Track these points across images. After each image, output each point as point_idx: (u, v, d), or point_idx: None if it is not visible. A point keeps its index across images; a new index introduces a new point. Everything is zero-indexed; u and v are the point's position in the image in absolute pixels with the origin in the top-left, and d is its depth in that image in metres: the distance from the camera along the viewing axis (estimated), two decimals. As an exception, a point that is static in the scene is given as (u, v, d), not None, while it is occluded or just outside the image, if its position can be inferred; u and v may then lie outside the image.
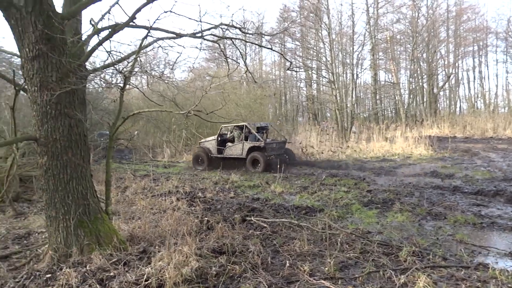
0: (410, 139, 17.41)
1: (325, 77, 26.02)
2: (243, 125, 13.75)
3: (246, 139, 13.66)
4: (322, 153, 15.87)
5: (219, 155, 14.14)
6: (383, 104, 35.17)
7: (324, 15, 24.05)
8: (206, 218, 5.99)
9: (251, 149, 13.24)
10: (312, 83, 33.11)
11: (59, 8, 4.61)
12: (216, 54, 33.01)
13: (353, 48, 24.78)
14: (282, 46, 34.58)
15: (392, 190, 8.39)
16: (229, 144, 14.03)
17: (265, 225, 5.71)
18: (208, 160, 14.26)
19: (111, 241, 4.36)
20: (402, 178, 10.11)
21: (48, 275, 3.88)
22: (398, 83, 31.89)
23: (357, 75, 24.44)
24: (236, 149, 13.72)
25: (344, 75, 25.84)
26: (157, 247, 4.49)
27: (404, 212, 6.49)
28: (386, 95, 34.52)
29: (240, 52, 7.27)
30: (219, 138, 14.35)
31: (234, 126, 14.19)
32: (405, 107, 29.44)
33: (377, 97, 32.37)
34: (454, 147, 16.15)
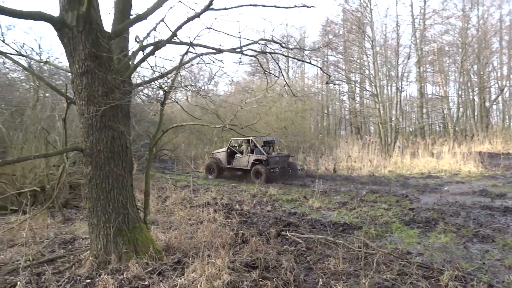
0: (458, 155, 16.60)
1: (368, 90, 25.52)
2: (249, 138, 14.31)
3: (252, 152, 14.50)
4: (363, 168, 15.49)
5: (228, 166, 15.21)
6: (430, 118, 33.84)
7: (367, 28, 23.73)
8: (241, 231, 6.02)
9: (255, 162, 14.10)
10: (355, 97, 32.58)
11: (109, 26, 4.91)
12: (259, 68, 33.43)
13: (397, 61, 24.17)
14: (325, 59, 34.43)
15: (437, 209, 8.01)
16: (237, 156, 15.03)
17: (300, 240, 5.64)
18: (219, 170, 15.31)
19: (147, 250, 4.49)
20: (448, 196, 9.63)
21: (88, 281, 4.05)
22: (447, 96, 30.62)
23: (401, 88, 23.72)
24: (242, 161, 14.67)
25: (389, 88, 25.22)
26: (191, 258, 4.57)
27: (448, 233, 6.17)
28: (433, 109, 33.22)
29: (279, 66, 7.33)
30: (228, 150, 15.37)
31: (243, 139, 14.90)
32: (454, 121, 28.18)
33: (424, 110, 31.23)
34: (507, 165, 15.19)
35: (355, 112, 31.57)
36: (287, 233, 6.05)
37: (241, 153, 15.10)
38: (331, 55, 34.16)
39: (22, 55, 5.80)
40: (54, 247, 5.63)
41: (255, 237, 5.62)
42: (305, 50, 10.39)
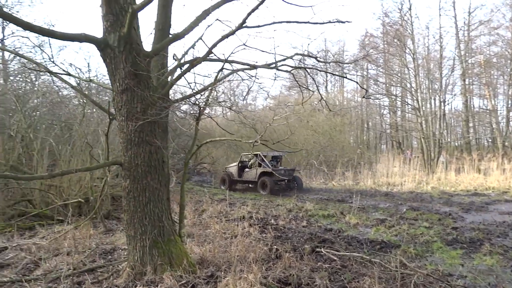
0: (508, 172, 15.67)
1: (410, 104, 24.82)
2: (257, 153, 15.88)
3: (259, 165, 15.78)
4: (404, 184, 14.97)
5: (239, 179, 16.70)
6: (477, 133, 32.25)
7: (408, 40, 23.21)
8: (275, 246, 5.98)
9: (262, 174, 15.40)
10: (396, 110, 31.73)
11: (149, 45, 5.15)
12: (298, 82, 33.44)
13: (441, 74, 23.40)
14: (364, 73, 33.94)
15: (482, 228, 7.59)
16: (247, 169, 16.44)
17: (335, 258, 5.52)
18: (230, 182, 16.85)
19: (181, 263, 4.57)
20: (496, 215, 9.09)
21: (124, 291, 4.17)
22: (495, 110, 29.10)
23: (445, 101, 22.90)
24: (251, 174, 16.04)
25: (432, 101, 24.39)
26: (224, 272, 4.59)
27: (494, 254, 5.81)
28: (481, 123, 31.65)
29: (314, 80, 7.34)
30: (240, 164, 16.83)
31: (253, 154, 16.26)
32: (503, 135, 26.67)
33: (470, 124, 29.83)
34: None
35: (396, 126, 30.72)
36: (322, 249, 5.94)
37: (250, 167, 16.42)
38: (371, 69, 33.66)
39: (70, 75, 6.19)
40: (95, 257, 5.85)
41: (289, 252, 5.57)
42: (341, 63, 10.31)
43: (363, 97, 6.42)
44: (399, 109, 31.27)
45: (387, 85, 29.43)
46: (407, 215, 9.26)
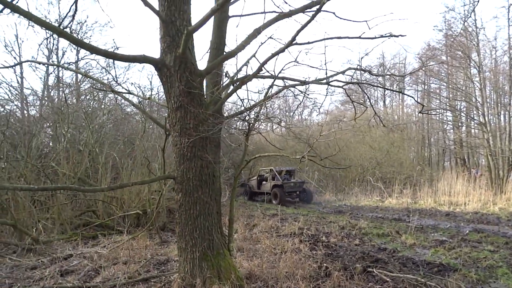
0: None
1: (475, 119, 23.32)
2: (271, 168, 18.49)
3: (273, 179, 17.87)
4: (468, 204, 14.00)
5: (258, 190, 19.19)
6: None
7: (473, 52, 21.95)
8: (325, 264, 5.86)
9: (274, 186, 17.54)
10: (460, 126, 29.90)
11: (204, 64, 5.38)
12: (353, 97, 32.81)
13: (511, 86, 21.76)
14: (426, 87, 32.49)
15: (558, 255, 6.86)
16: (264, 182, 18.83)
17: (388, 279, 5.28)
18: (251, 193, 19.72)
19: (229, 276, 4.63)
20: None
21: (174, 301, 4.30)
22: None
23: (515, 116, 21.17)
24: (267, 186, 18.29)
25: (502, 116, 22.69)
26: (271, 288, 4.58)
27: None
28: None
29: (367, 95, 7.18)
30: (258, 178, 19.34)
31: (270, 169, 18.77)
32: None
33: (546, 141, 27.30)
34: None
35: (460, 143, 28.91)
36: (374, 269, 5.71)
37: (266, 180, 18.76)
38: (433, 83, 32.11)
39: (131, 93, 6.63)
40: (149, 267, 6.10)
41: (339, 271, 5.43)
42: (395, 76, 9.98)
43: (420, 112, 6.09)
44: (463, 124, 29.45)
45: (450, 99, 27.90)
46: (469, 237, 8.62)
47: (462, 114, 28.49)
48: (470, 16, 21.27)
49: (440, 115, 30.19)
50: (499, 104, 22.24)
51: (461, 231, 9.45)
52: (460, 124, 29.82)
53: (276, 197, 17.15)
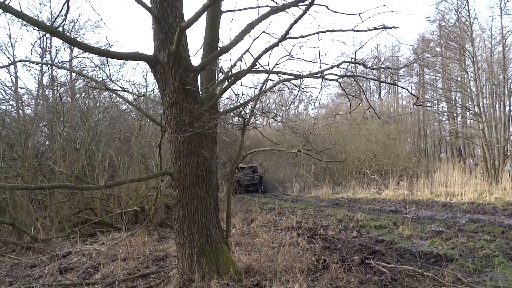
0: None
1: (470, 110, 23.43)
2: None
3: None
4: (464, 194, 14.10)
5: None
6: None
7: (467, 42, 21.98)
8: (322, 257, 5.91)
9: (237, 181, 20.34)
10: (456, 117, 30.01)
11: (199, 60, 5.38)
12: (347, 90, 32.79)
13: (505, 76, 21.84)
14: (419, 79, 32.54)
15: (553, 243, 6.94)
16: None
17: (385, 270, 5.33)
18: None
19: (228, 271, 4.67)
20: None
21: (174, 297, 4.34)
22: None
23: (510, 106, 21.30)
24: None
25: (497, 106, 22.78)
26: (269, 282, 4.62)
27: None
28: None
29: (362, 89, 7.20)
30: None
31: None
32: None
33: (541, 130, 27.46)
34: None
35: (456, 134, 29.04)
36: (372, 261, 5.77)
37: None
38: (427, 74, 32.15)
39: (126, 91, 6.62)
40: (148, 263, 6.14)
41: (337, 263, 5.48)
42: (390, 69, 10.01)
43: (414, 104, 6.11)
44: (459, 115, 29.57)
45: (445, 90, 27.96)
46: (466, 227, 8.70)
47: (458, 104, 28.59)
48: (464, 7, 21.32)
49: (435, 106, 30.29)
50: (494, 94, 22.34)
51: (458, 221, 9.53)
52: (455, 114, 29.94)
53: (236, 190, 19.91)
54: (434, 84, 31.10)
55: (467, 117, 27.56)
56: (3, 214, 8.15)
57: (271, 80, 5.66)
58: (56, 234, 8.46)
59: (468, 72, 22.26)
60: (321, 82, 6.90)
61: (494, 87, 22.46)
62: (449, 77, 26.62)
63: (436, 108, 32.73)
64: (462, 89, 24.41)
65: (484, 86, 22.29)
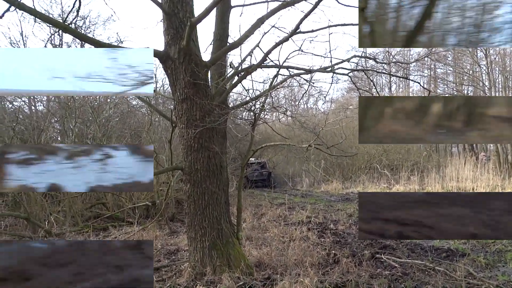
0: None
1: (483, 103, 23.08)
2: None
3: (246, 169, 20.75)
4: (476, 189, 13.95)
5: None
6: None
7: (480, 35, 21.64)
8: (333, 251, 5.93)
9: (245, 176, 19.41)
10: (468, 110, 29.56)
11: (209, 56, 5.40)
12: (358, 84, 32.46)
13: (518, 69, 21.54)
14: (432, 72, 32.16)
15: None
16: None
17: (396, 265, 5.34)
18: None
19: (239, 264, 4.71)
20: None
21: (185, 290, 4.40)
22: None
23: (524, 99, 20.96)
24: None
25: (509, 100, 22.44)
26: (280, 276, 4.65)
27: None
28: None
29: (373, 83, 7.15)
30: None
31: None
32: None
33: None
34: None
35: (467, 127, 28.64)
36: (382, 256, 5.77)
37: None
38: (439, 68, 31.76)
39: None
40: (160, 257, 6.22)
41: (347, 258, 5.49)
42: (401, 63, 9.93)
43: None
44: (471, 109, 29.14)
45: (457, 84, 27.62)
46: (478, 222, 8.63)
47: (470, 98, 28.20)
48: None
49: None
50: (506, 88, 22.03)
51: (469, 216, 9.45)
52: (467, 109, 29.50)
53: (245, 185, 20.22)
54: (446, 78, 30.72)
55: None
56: (18, 209, 8.32)
57: (281, 74, 5.65)
58: (69, 228, 8.59)
59: (481, 65, 21.97)
60: (332, 77, 6.87)
61: (506, 80, 22.16)
62: (461, 71, 26.27)
63: (448, 102, 32.24)
64: (474, 82, 24.10)
65: (497, 80, 21.99)
